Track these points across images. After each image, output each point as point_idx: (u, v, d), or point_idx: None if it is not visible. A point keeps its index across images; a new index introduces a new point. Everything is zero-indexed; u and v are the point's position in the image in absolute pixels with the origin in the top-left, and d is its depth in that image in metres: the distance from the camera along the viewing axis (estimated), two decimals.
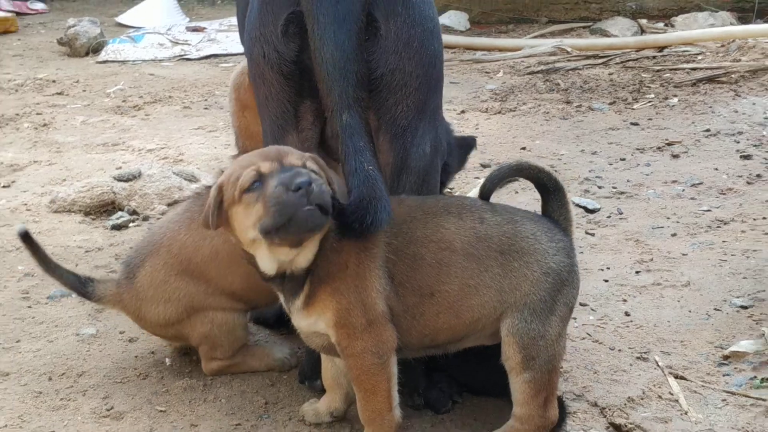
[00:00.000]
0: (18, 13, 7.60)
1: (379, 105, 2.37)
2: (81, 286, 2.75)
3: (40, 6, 7.94)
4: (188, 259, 2.65)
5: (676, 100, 5.29)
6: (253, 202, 2.14)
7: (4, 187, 4.25)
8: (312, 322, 2.26)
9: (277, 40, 2.35)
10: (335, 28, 2.26)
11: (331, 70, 2.28)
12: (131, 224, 3.86)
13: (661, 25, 6.83)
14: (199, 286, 2.66)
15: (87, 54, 6.54)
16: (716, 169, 4.26)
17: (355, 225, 2.16)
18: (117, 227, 3.83)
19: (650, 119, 5.00)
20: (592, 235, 3.59)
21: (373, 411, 2.28)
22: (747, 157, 4.40)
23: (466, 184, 4.09)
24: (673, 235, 3.50)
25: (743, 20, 6.78)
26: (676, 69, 5.80)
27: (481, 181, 4.01)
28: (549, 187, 2.43)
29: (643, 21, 6.84)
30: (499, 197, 3.95)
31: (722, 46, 6.17)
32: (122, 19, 7.52)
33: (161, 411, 2.59)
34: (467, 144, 3.37)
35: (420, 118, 2.39)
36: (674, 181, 4.12)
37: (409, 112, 2.37)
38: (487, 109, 5.22)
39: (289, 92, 2.36)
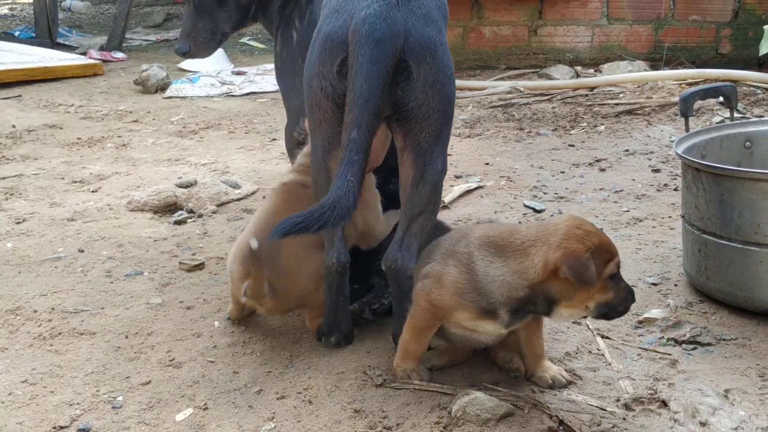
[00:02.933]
0: (104, 61, 7.59)
1: (407, 131, 2.39)
2: None
3: (120, 55, 7.92)
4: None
5: (603, 127, 5.27)
6: (608, 287, 2.15)
7: (92, 191, 4.23)
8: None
9: (332, 77, 2.37)
10: (368, 66, 2.27)
11: (356, 97, 2.29)
12: (189, 220, 3.84)
13: (591, 70, 6.81)
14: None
15: (156, 91, 6.52)
16: (633, 179, 4.26)
17: (307, 221, 2.20)
18: (178, 222, 3.81)
19: (583, 142, 4.99)
20: None
21: None
22: (657, 171, 4.39)
23: (444, 190, 4.05)
24: (601, 229, 3.48)
25: (654, 67, 6.77)
26: (603, 104, 5.79)
27: (456, 188, 4.04)
28: None
29: (578, 68, 6.83)
30: (468, 200, 3.97)
31: (638, 87, 6.16)
32: (183, 65, 7.50)
33: (211, 362, 2.58)
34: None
35: (436, 143, 2.42)
36: (601, 189, 4.11)
37: (429, 138, 2.39)
38: (459, 134, 5.21)
39: (339, 118, 2.37)
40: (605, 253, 2.15)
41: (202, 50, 3.25)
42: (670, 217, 3.68)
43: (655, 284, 3.05)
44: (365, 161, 2.31)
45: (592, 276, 2.10)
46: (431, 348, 2.50)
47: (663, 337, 2.66)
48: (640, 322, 2.77)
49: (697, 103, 3.42)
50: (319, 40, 2.43)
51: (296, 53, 2.91)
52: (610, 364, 2.50)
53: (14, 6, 11.52)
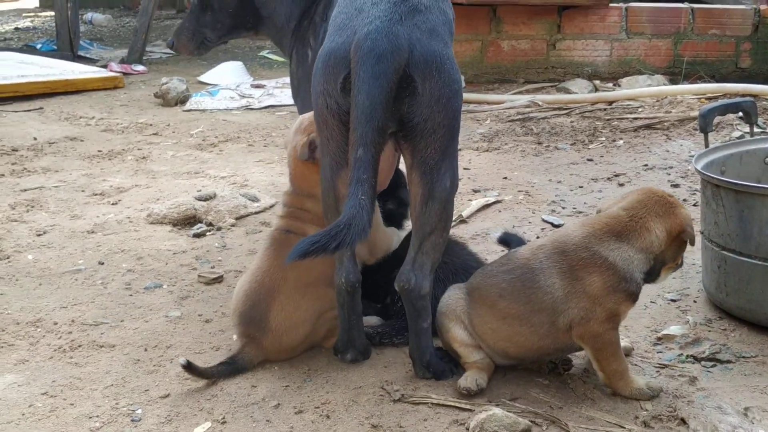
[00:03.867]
0: (124, 74, 7.64)
1: (414, 147, 2.38)
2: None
3: (140, 68, 7.98)
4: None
5: (621, 142, 5.27)
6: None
7: (112, 204, 4.26)
8: None
9: (337, 94, 2.37)
10: (370, 83, 2.27)
11: (359, 114, 2.28)
12: (208, 233, 3.86)
13: (610, 84, 6.81)
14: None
15: (176, 104, 6.56)
16: None
17: (324, 240, 2.20)
18: (197, 235, 3.83)
19: (602, 156, 4.98)
20: None
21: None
22: (676, 185, 4.38)
23: (461, 204, 4.07)
24: None
25: (673, 81, 6.76)
26: (621, 118, 5.78)
27: (474, 202, 4.04)
28: None
29: (597, 81, 6.82)
30: (486, 214, 3.96)
31: (657, 101, 6.14)
32: (202, 78, 7.55)
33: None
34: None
35: (443, 159, 2.40)
36: None
37: (435, 154, 2.38)
38: (477, 148, 5.21)
39: (346, 136, 2.37)
40: None
41: (182, 48, 3.38)
42: None
43: (674, 300, 3.03)
44: (374, 179, 2.29)
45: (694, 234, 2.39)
46: (464, 365, 2.52)
47: (682, 354, 2.65)
48: (659, 338, 2.75)
49: (717, 118, 3.42)
50: (322, 57, 2.43)
51: (312, 71, 2.92)
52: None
53: (36, 18, 11.64)
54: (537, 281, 2.37)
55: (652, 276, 2.39)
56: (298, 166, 2.74)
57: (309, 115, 2.69)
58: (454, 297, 2.54)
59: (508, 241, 2.86)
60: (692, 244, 2.41)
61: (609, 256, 2.32)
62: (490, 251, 3.40)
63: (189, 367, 2.46)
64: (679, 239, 2.37)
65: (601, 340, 2.34)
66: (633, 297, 2.35)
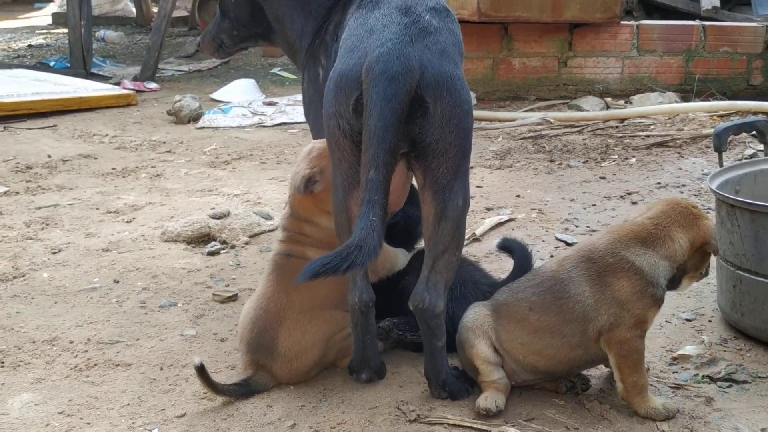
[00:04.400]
0: (137, 91, 7.67)
1: (425, 167, 2.39)
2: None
3: (153, 85, 8.01)
4: None
5: (634, 159, 5.27)
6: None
7: (127, 222, 4.28)
8: None
9: (348, 115, 2.39)
10: (382, 105, 2.28)
11: (371, 136, 2.30)
12: (222, 251, 3.87)
13: (622, 102, 6.80)
14: None
15: (189, 122, 6.58)
16: None
17: (335, 262, 2.21)
18: (211, 253, 3.84)
19: (614, 174, 4.98)
20: None
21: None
22: None
23: (474, 222, 4.07)
24: None
25: (685, 99, 6.75)
26: (633, 136, 5.78)
27: (488, 220, 4.05)
28: None
29: (609, 99, 6.82)
30: (499, 232, 3.97)
31: (669, 118, 6.14)
32: (215, 95, 7.58)
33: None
34: None
35: (455, 179, 2.41)
36: None
37: (447, 174, 2.39)
38: (490, 165, 5.21)
39: (358, 156, 2.39)
40: None
41: (204, 49, 3.50)
42: None
43: (689, 320, 3.03)
44: (386, 200, 2.31)
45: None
46: (482, 384, 2.52)
47: (698, 374, 2.65)
48: (675, 358, 2.75)
49: (730, 137, 3.42)
50: (334, 79, 2.46)
51: (323, 90, 2.92)
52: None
53: (49, 35, 11.71)
54: (567, 291, 2.41)
55: (673, 284, 2.45)
56: (296, 196, 2.75)
57: (320, 145, 2.70)
58: (480, 313, 2.54)
59: (509, 247, 2.90)
60: (715, 254, 2.50)
61: (636, 260, 2.38)
62: (504, 269, 3.40)
63: (202, 371, 2.46)
64: (702, 250, 2.43)
65: (628, 347, 2.36)
66: (659, 302, 2.40)
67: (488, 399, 2.44)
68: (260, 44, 3.51)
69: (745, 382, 2.59)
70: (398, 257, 2.87)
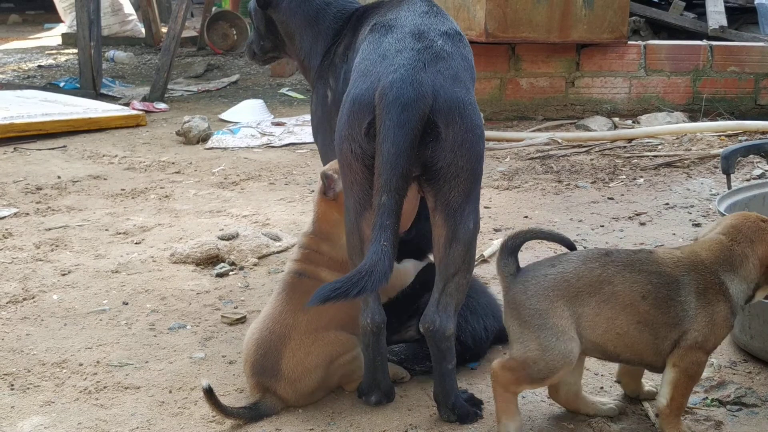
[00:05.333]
0: (146, 111, 7.70)
1: (437, 191, 2.41)
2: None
3: (162, 106, 8.05)
4: None
5: (642, 180, 5.27)
6: None
7: (136, 243, 4.30)
8: None
9: (361, 139, 2.41)
10: (395, 131, 2.30)
11: (384, 161, 2.32)
12: (231, 273, 3.89)
13: (629, 122, 6.82)
14: None
15: (198, 142, 6.60)
16: (674, 234, 4.24)
17: (346, 287, 2.23)
18: (220, 275, 3.85)
19: (622, 195, 4.99)
20: None
21: None
22: (698, 225, 4.37)
23: (483, 244, 4.08)
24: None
25: (692, 118, 6.76)
26: (641, 156, 5.79)
27: (496, 242, 4.05)
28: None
29: (616, 119, 6.84)
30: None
31: (677, 138, 6.15)
32: (224, 116, 7.60)
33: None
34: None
35: (467, 202, 2.43)
36: (641, 243, 4.10)
37: (459, 197, 2.41)
38: (498, 186, 5.22)
39: (370, 179, 2.41)
40: None
41: (247, 56, 3.64)
42: None
43: None
44: (397, 224, 2.34)
45: None
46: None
47: (707, 397, 2.64)
48: None
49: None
50: (347, 104, 2.48)
51: (332, 111, 2.94)
52: (654, 426, 2.48)
53: (59, 56, 11.79)
54: (679, 293, 2.33)
55: (752, 299, 2.43)
56: (321, 205, 2.77)
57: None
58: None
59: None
60: None
61: (730, 286, 2.35)
62: None
63: (210, 394, 2.46)
64: None
65: (696, 368, 2.35)
66: (732, 328, 2.40)
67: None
68: (284, 56, 3.56)
69: (754, 405, 2.59)
70: (408, 273, 2.89)
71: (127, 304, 3.53)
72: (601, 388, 2.73)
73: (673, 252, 2.43)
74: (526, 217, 4.61)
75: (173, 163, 6.00)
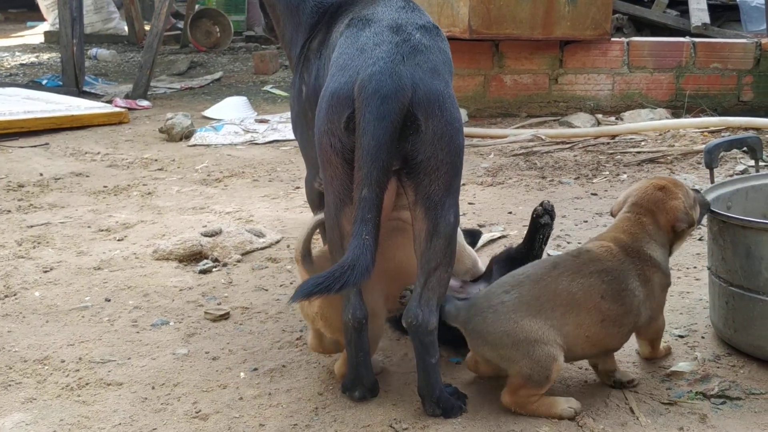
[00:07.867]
0: (129, 109, 7.67)
1: (417, 184, 2.40)
2: None
3: (145, 103, 8.01)
4: None
5: (625, 176, 5.28)
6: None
7: (118, 240, 4.27)
8: None
9: (340, 133, 2.39)
10: (375, 124, 2.29)
11: (365, 155, 2.31)
12: (214, 269, 3.86)
13: (612, 118, 6.83)
14: None
15: (181, 139, 6.58)
16: None
17: (328, 282, 2.23)
18: (203, 272, 3.83)
19: (606, 190, 5.00)
20: None
21: None
22: None
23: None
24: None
25: (675, 115, 6.78)
26: (624, 152, 5.80)
27: (486, 235, 4.04)
28: None
29: (599, 115, 6.85)
30: (492, 249, 3.96)
31: (660, 135, 6.17)
32: (207, 113, 7.58)
33: (236, 415, 2.58)
34: (475, 234, 3.61)
35: (447, 195, 2.42)
36: None
37: (439, 191, 2.40)
38: (482, 182, 5.22)
39: (350, 174, 2.40)
40: None
41: (265, 30, 3.49)
42: (695, 267, 3.67)
43: (681, 336, 3.03)
44: (378, 218, 2.33)
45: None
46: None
47: (691, 390, 2.64)
48: (668, 375, 2.75)
49: (721, 153, 3.42)
50: (326, 98, 2.46)
51: (306, 106, 2.92)
52: (638, 419, 2.48)
53: (41, 54, 11.71)
54: (628, 283, 2.52)
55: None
56: None
57: None
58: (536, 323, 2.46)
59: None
60: (692, 226, 2.66)
61: (654, 255, 2.58)
62: None
63: None
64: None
65: (660, 328, 2.72)
66: (669, 284, 2.67)
67: (570, 403, 2.50)
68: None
69: (738, 398, 2.59)
70: (477, 261, 3.02)
71: (109, 300, 3.50)
72: (585, 381, 2.73)
73: (603, 244, 2.61)
74: (510, 213, 4.61)
75: (156, 160, 5.97)
